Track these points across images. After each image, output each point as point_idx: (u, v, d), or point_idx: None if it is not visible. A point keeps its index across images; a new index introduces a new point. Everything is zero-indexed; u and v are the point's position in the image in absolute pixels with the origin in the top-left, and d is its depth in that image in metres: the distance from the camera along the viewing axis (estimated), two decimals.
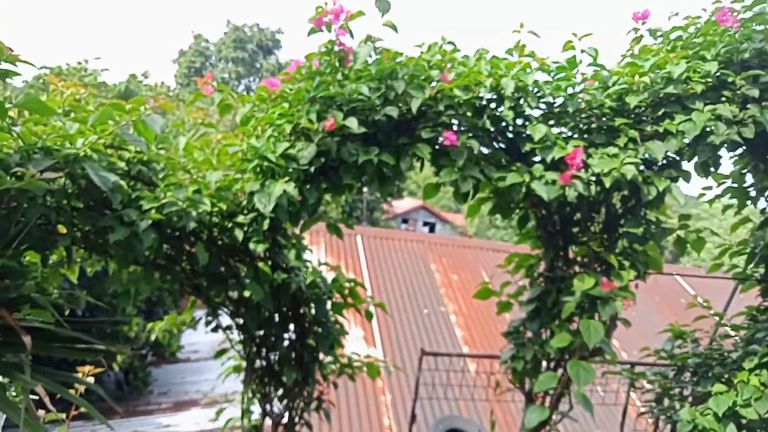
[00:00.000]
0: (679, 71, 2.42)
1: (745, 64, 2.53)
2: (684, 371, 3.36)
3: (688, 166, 2.69)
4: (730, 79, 2.48)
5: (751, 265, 3.16)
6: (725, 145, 2.49)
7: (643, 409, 3.55)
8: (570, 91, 2.60)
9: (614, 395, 4.32)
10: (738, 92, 2.47)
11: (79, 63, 22.68)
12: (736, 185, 3.16)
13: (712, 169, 2.69)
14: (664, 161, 2.69)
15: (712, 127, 2.40)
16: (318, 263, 2.81)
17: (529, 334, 2.93)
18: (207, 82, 2.33)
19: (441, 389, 4.75)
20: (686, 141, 2.46)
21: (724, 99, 2.51)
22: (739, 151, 2.95)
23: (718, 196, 3.22)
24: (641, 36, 2.87)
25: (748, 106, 2.45)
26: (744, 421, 2.94)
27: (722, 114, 2.42)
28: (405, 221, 39.07)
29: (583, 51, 2.67)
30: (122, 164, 1.99)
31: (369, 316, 2.98)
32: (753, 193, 3.14)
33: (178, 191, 1.95)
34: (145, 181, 2.07)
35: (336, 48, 2.44)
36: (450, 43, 2.66)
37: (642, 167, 2.57)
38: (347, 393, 7.70)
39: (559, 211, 2.79)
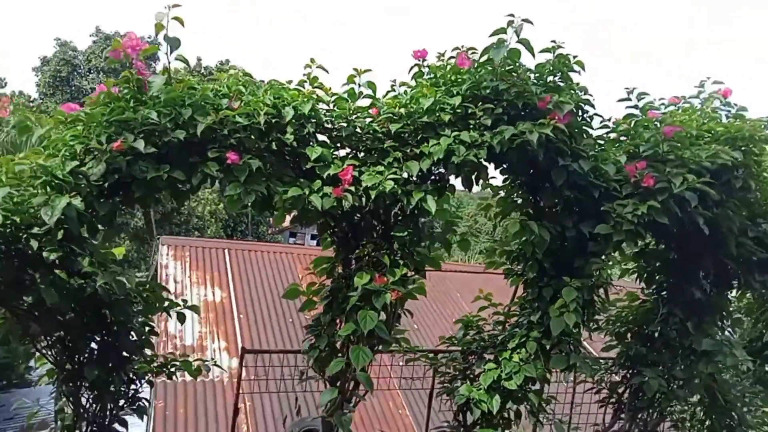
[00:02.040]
0: (428, 104, 2.98)
1: (485, 98, 3.13)
2: (469, 354, 3.96)
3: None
4: (471, 111, 3.07)
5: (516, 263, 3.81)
6: (469, 164, 3.05)
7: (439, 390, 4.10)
8: (349, 118, 3.07)
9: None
10: (479, 121, 3.07)
11: None
12: (504, 195, 3.81)
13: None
14: (433, 176, 3.25)
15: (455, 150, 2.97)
16: (123, 268, 3.04)
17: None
18: (3, 106, 2.53)
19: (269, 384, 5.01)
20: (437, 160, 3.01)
21: (471, 126, 3.11)
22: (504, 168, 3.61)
23: (488, 205, 3.85)
24: (422, 72, 3.41)
25: (485, 132, 3.05)
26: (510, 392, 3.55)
27: (464, 139, 3.00)
28: (293, 235, 39.05)
29: (360, 86, 3.17)
30: None
31: (181, 318, 3.26)
32: (519, 201, 3.80)
33: None
34: None
35: (135, 77, 2.74)
36: (246, 74, 3.05)
37: (413, 180, 3.10)
38: (206, 409, 7.80)
39: (347, 219, 3.24)
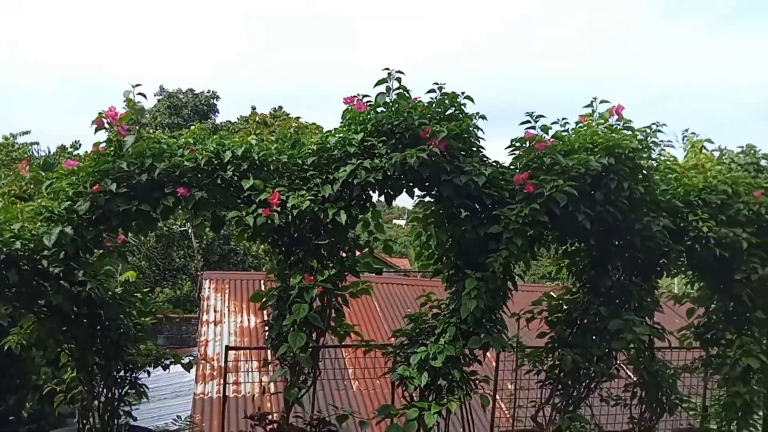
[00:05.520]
0: (334, 141, 3.87)
1: (384, 132, 3.98)
2: (411, 343, 4.70)
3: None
4: (371, 143, 3.92)
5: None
6: (370, 185, 3.89)
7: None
8: (277, 157, 3.98)
9: None
10: (378, 151, 3.92)
11: (6, 138, 23.40)
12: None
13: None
14: (358, 194, 4.08)
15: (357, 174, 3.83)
16: (122, 281, 4.01)
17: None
18: (23, 167, 3.61)
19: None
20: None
21: (376, 155, 3.95)
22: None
23: (416, 217, 4.64)
24: (349, 114, 4.30)
25: (383, 159, 3.89)
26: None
27: (366, 165, 3.85)
28: None
29: (290, 128, 4.10)
30: None
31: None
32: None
33: None
34: None
35: (115, 138, 3.78)
36: (203, 128, 4.05)
37: (331, 200, 3.95)
38: (237, 419, 8.73)
39: (286, 234, 4.11)
